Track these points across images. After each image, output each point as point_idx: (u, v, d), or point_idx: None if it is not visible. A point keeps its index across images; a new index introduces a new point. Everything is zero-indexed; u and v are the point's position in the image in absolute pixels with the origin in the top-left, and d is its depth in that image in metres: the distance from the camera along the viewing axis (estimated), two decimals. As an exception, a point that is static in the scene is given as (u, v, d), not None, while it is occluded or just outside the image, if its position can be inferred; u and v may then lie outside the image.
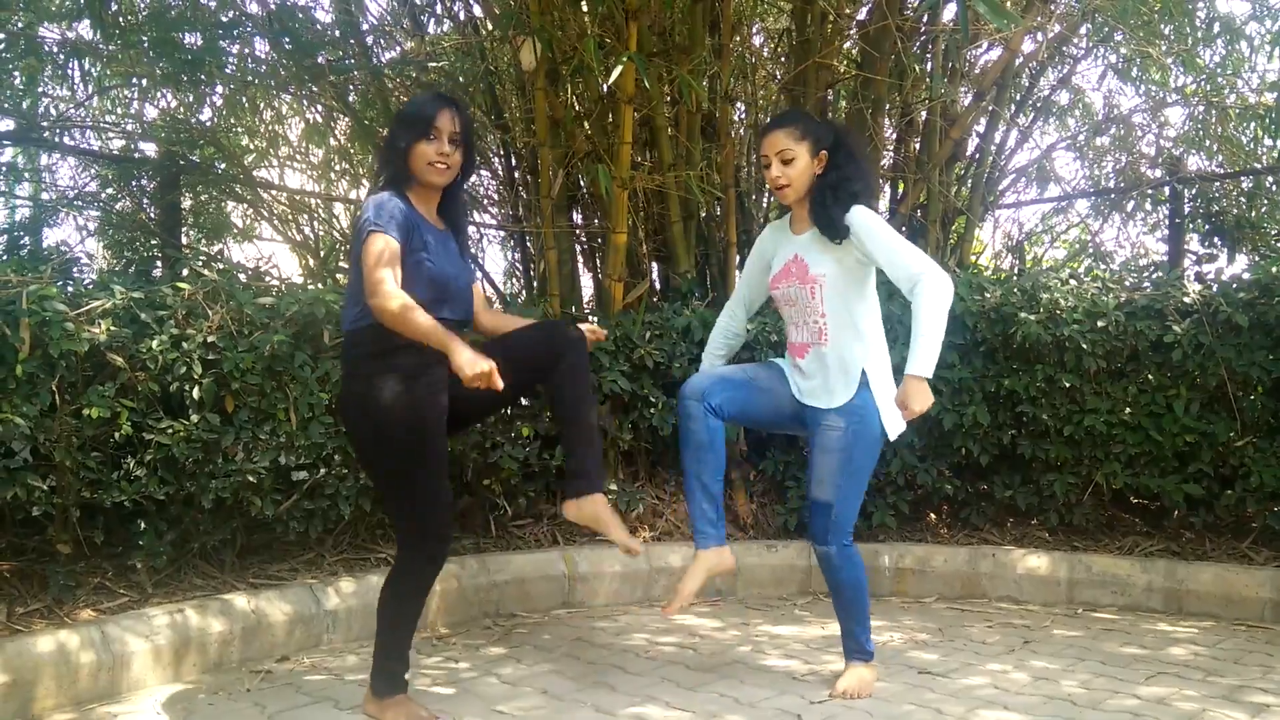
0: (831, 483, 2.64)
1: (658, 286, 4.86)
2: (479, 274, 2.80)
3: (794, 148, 2.64)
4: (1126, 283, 4.11)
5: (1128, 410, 3.83)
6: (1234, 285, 3.86)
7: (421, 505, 2.44)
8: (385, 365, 2.41)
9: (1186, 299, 3.82)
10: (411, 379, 2.41)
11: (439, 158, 2.47)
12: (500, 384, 2.27)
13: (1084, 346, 3.78)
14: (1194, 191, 5.61)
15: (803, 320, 2.71)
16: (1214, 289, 3.89)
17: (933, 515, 4.25)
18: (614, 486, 3.93)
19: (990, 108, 4.96)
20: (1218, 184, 5.69)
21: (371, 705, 2.52)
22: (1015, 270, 6.19)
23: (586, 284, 5.03)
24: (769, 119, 2.74)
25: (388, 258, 2.35)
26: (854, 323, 2.66)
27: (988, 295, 3.94)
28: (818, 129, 2.69)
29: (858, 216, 2.60)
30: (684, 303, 4.23)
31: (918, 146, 5.03)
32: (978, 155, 5.25)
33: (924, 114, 4.93)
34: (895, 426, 2.66)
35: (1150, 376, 3.84)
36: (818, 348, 2.67)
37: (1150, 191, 5.98)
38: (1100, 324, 3.80)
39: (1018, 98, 5.47)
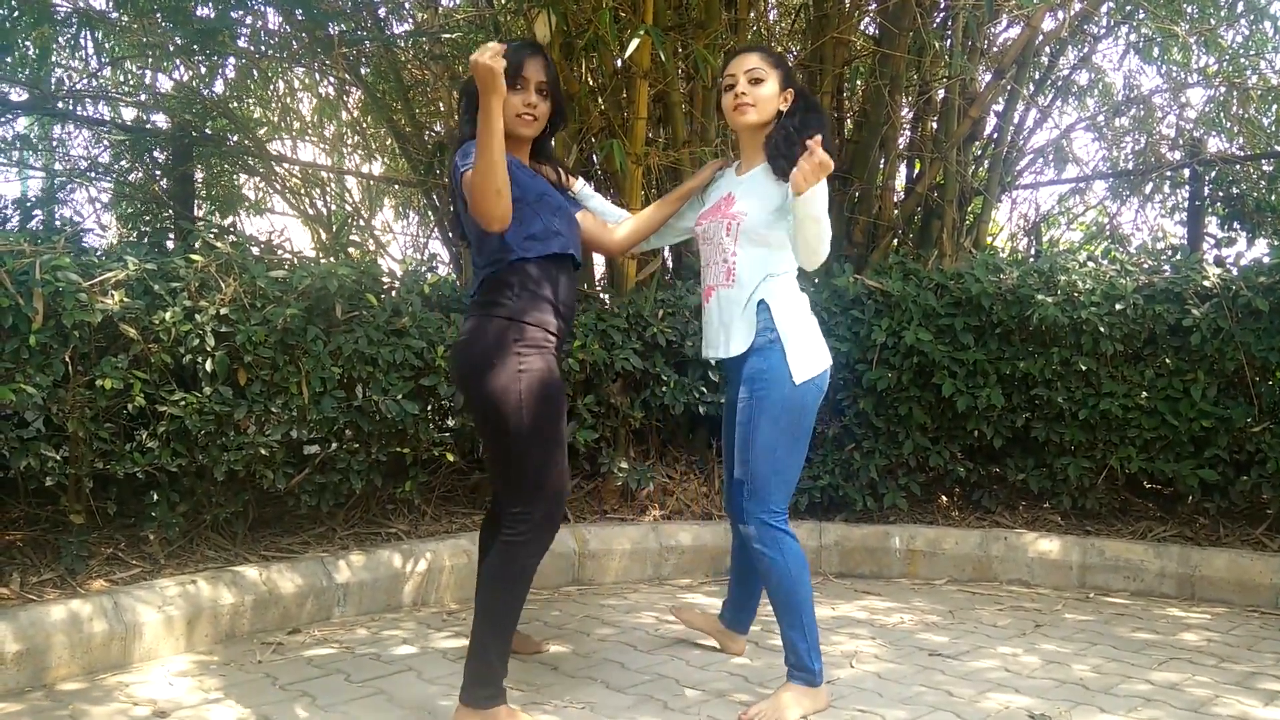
0: (740, 458, 2.44)
1: (670, 264, 4.84)
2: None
3: (766, 70, 2.48)
4: (1145, 266, 4.06)
5: (1144, 394, 3.79)
6: (1254, 269, 3.82)
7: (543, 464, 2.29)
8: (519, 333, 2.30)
9: (1206, 283, 3.77)
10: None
11: (526, 109, 2.38)
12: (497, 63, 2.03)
13: (1101, 329, 3.75)
14: (1214, 174, 5.53)
15: (714, 259, 2.53)
16: (1234, 273, 3.84)
17: (944, 497, 4.24)
18: (624, 465, 3.92)
19: (1009, 86, 4.90)
20: (1238, 167, 5.61)
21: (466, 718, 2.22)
22: (1032, 252, 6.15)
23: (599, 261, 5.00)
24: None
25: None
26: (765, 267, 2.46)
27: (1004, 276, 3.90)
28: (788, 69, 2.55)
29: None
30: (697, 280, 4.20)
31: (935, 125, 4.97)
32: (996, 135, 5.19)
33: (942, 92, 4.88)
34: (803, 370, 2.40)
35: (1168, 360, 3.80)
36: (723, 289, 2.49)
37: (1169, 174, 5.91)
38: (1118, 307, 3.76)
39: (1037, 76, 5.39)
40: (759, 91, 2.48)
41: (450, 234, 4.95)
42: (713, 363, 2.47)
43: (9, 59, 4.38)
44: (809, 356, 2.42)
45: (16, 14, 4.16)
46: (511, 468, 2.28)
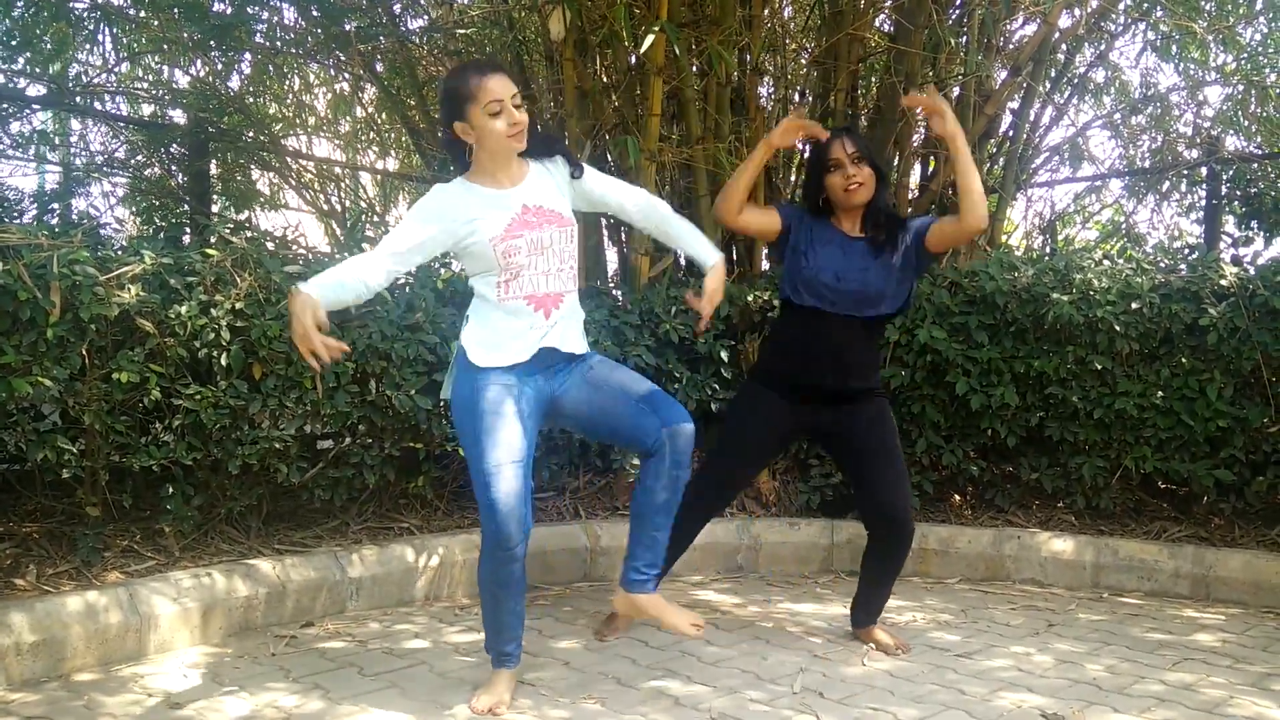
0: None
1: (683, 261, 4.83)
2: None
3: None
4: (1161, 264, 4.04)
5: (1159, 394, 3.77)
6: (1271, 268, 3.78)
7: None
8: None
9: (1223, 281, 3.74)
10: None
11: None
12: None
13: (1117, 328, 3.72)
14: (1231, 173, 5.48)
15: (556, 268, 2.48)
16: (1251, 272, 3.81)
17: (957, 496, 4.22)
18: (637, 461, 3.91)
19: (1025, 84, 4.87)
20: (1256, 165, 5.56)
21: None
22: (1047, 250, 6.12)
23: (612, 258, 5.00)
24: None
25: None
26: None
27: (1019, 274, 3.88)
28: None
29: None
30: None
31: (950, 123, 4.94)
32: (1011, 133, 5.16)
33: (957, 89, 4.85)
34: None
35: (1184, 360, 3.77)
36: (573, 294, 2.54)
37: (1186, 172, 5.86)
38: (1134, 305, 3.74)
39: (1053, 74, 5.36)
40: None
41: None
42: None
43: (27, 54, 4.41)
44: None
45: (35, 9, 4.19)
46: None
